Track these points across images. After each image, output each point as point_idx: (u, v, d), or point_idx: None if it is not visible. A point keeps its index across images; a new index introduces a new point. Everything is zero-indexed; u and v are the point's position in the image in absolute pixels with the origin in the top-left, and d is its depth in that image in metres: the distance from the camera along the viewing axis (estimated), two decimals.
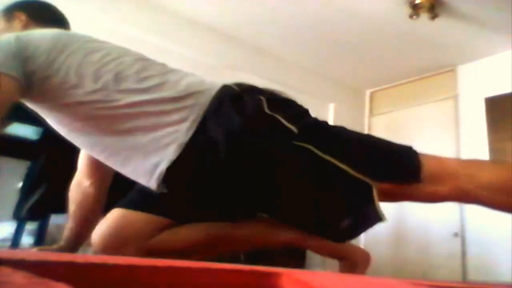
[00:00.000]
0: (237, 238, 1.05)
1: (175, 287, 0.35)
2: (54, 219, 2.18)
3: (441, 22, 3.11)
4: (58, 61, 0.87)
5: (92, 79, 0.87)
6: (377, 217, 0.87)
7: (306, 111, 0.99)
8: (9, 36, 0.90)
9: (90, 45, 0.93)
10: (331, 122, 4.82)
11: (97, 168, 1.10)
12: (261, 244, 1.06)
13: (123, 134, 0.87)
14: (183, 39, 3.34)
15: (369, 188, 0.85)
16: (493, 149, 3.48)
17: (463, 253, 3.41)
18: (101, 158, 0.96)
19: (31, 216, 1.88)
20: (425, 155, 0.93)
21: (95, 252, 1.02)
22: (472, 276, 3.31)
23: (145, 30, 3.14)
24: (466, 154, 3.65)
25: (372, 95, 4.69)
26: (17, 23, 1.12)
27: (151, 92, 0.87)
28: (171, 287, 0.35)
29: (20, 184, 1.92)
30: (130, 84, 0.88)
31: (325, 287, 0.33)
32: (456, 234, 3.46)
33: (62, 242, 1.12)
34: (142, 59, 0.96)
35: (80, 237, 1.14)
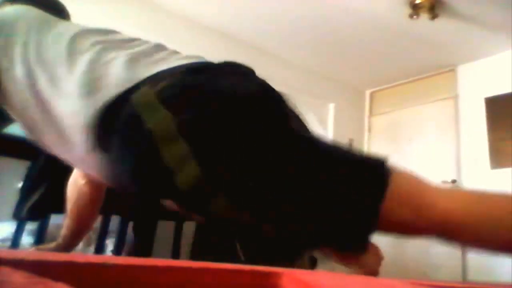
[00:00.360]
0: None
1: (175, 287, 0.35)
2: (54, 219, 2.17)
3: (441, 22, 3.11)
4: None
5: (19, 60, 0.72)
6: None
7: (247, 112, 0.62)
8: None
9: (29, 23, 0.79)
10: (331, 122, 4.78)
11: None
12: None
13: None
14: (183, 39, 3.34)
15: None
16: (493, 149, 3.48)
17: (463, 253, 3.41)
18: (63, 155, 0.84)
19: (31, 216, 1.88)
20: (394, 197, 0.62)
21: None
22: (472, 276, 3.31)
23: (145, 30, 3.13)
24: (466, 154, 3.65)
25: (372, 95, 4.69)
26: None
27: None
28: (171, 287, 0.34)
29: (20, 184, 1.91)
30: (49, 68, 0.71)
31: (325, 287, 0.32)
32: None
33: (60, 240, 1.12)
34: (83, 31, 0.78)
35: (77, 234, 1.14)
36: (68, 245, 1.12)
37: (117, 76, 0.66)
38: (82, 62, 0.69)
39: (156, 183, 0.60)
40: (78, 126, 0.65)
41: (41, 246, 1.18)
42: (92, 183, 1.10)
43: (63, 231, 1.13)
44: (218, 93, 0.63)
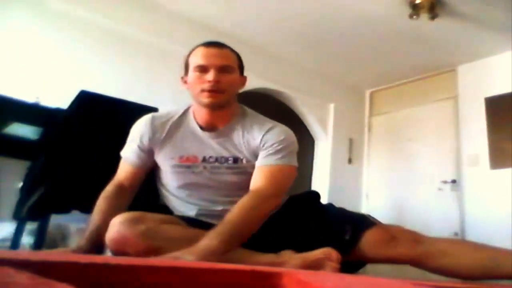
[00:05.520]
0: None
1: (176, 287, 0.35)
2: (54, 219, 2.17)
3: (441, 22, 3.11)
4: None
5: None
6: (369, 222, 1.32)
7: None
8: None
9: None
10: (331, 122, 4.77)
11: (139, 180, 1.32)
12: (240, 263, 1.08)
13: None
14: (183, 39, 3.34)
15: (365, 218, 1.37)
16: (493, 149, 3.48)
17: None
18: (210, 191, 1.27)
19: (31, 216, 1.88)
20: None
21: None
22: None
23: (145, 30, 3.13)
24: (466, 154, 3.65)
25: (372, 95, 4.69)
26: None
27: None
28: (172, 287, 0.35)
29: (20, 184, 1.91)
30: None
31: (325, 287, 0.33)
32: (456, 234, 3.46)
33: (81, 243, 1.12)
34: None
35: (97, 240, 1.13)
36: (89, 251, 1.11)
37: None
38: None
39: None
40: None
41: (60, 250, 1.17)
42: (133, 192, 1.28)
43: (85, 237, 1.14)
44: None
